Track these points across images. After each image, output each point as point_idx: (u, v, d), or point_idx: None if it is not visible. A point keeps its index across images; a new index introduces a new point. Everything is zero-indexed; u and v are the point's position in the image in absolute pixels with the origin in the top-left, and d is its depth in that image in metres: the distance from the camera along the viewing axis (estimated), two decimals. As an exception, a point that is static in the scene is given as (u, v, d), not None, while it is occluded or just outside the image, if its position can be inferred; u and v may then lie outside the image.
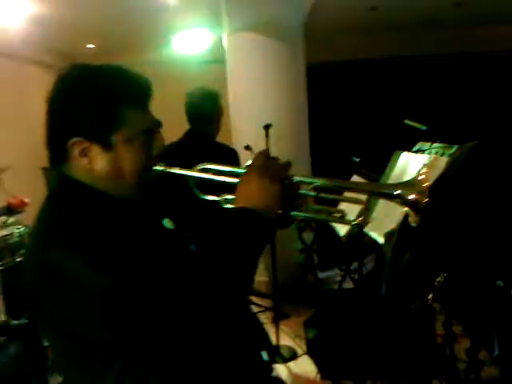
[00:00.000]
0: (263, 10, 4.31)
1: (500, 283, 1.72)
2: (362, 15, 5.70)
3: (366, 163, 3.90)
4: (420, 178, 1.06)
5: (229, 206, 1.16)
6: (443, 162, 1.86)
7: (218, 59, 5.19)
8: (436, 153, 2.10)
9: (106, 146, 1.05)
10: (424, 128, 2.41)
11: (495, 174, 1.73)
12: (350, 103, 6.52)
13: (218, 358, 1.05)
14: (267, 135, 3.39)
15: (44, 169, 6.45)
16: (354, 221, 1.15)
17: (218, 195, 1.20)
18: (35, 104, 7.08)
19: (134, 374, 0.95)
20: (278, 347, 3.47)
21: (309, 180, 1.12)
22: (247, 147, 3.36)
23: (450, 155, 1.90)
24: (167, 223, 1.19)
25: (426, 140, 2.33)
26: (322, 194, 1.13)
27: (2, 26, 5.14)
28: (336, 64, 6.83)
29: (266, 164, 1.09)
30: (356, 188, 1.23)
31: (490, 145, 1.75)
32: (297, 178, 1.11)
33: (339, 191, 1.20)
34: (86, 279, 0.90)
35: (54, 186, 1.11)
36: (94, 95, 1.04)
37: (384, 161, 2.41)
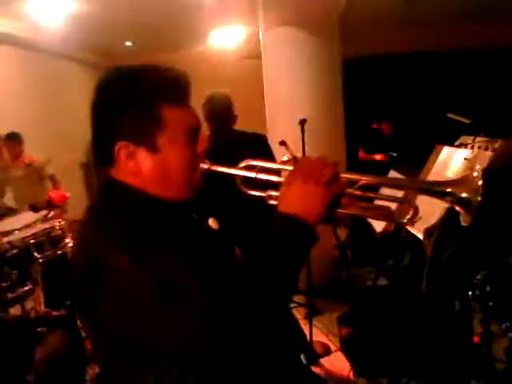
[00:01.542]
0: (298, 4, 4.27)
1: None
2: (398, 8, 5.61)
3: (405, 158, 3.85)
4: (474, 174, 1.01)
5: (273, 202, 1.14)
6: (486, 156, 1.82)
7: (254, 55, 5.20)
8: (479, 147, 2.05)
9: (152, 148, 1.05)
10: (468, 121, 2.36)
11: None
12: (388, 97, 6.43)
13: (258, 361, 1.05)
14: (303, 130, 3.37)
15: (83, 164, 6.60)
16: (403, 219, 1.09)
17: (263, 191, 1.18)
18: (74, 100, 7.27)
19: (173, 374, 0.98)
20: (311, 343, 3.47)
21: (356, 177, 1.08)
22: (282, 142, 3.35)
23: (494, 149, 1.85)
24: (212, 223, 1.20)
25: (469, 134, 2.27)
26: (367, 193, 1.09)
27: (43, 25, 5.29)
28: (372, 57, 6.75)
29: (311, 167, 1.05)
30: (405, 185, 1.20)
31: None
32: (344, 177, 1.07)
33: (376, 188, 1.16)
34: (137, 284, 0.91)
35: (102, 190, 1.12)
36: (135, 98, 1.05)
37: (424, 155, 2.36)
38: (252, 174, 1.15)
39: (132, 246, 0.94)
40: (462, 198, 1.00)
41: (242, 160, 1.19)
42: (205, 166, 1.14)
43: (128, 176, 1.08)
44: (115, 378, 1.09)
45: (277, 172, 1.17)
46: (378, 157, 5.27)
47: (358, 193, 1.09)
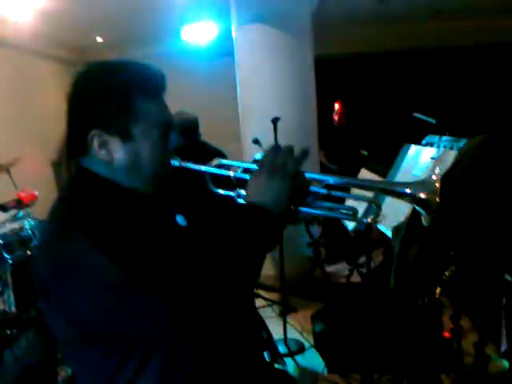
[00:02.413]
0: (270, 1, 4.29)
1: (508, 277, 1.72)
2: (371, 7, 5.67)
3: (375, 157, 3.89)
4: (433, 177, 1.07)
5: (242, 200, 1.16)
6: (452, 155, 1.85)
7: (227, 52, 5.19)
8: (445, 146, 2.09)
9: (125, 137, 1.07)
10: (432, 121, 2.40)
11: (503, 168, 1.72)
12: (357, 96, 6.49)
13: (221, 355, 1.07)
14: (275, 129, 3.38)
15: (53, 163, 6.49)
16: (365, 219, 1.15)
17: (231, 190, 1.20)
18: (45, 97, 7.14)
19: (138, 354, 0.99)
20: (285, 341, 3.49)
21: (321, 177, 1.12)
22: (255, 141, 3.36)
23: (459, 149, 1.89)
24: (180, 220, 1.21)
25: (435, 133, 2.31)
26: (333, 192, 1.13)
27: (12, 20, 5.18)
28: (344, 56, 6.81)
29: (277, 160, 1.08)
30: (368, 186, 1.23)
31: (499, 139, 1.74)
32: (309, 175, 1.10)
33: (347, 188, 1.20)
34: (100, 271, 0.92)
35: (72, 178, 1.13)
36: (111, 89, 1.07)
37: (393, 154, 2.40)
38: (222, 171, 1.18)
39: (98, 234, 0.95)
40: (421, 198, 1.05)
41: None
42: (176, 162, 1.16)
43: (99, 165, 1.09)
44: (81, 372, 1.10)
45: (246, 170, 1.19)
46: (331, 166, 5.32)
47: (324, 191, 1.12)
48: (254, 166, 1.14)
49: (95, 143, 1.07)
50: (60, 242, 0.98)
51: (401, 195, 1.09)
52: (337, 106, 5.38)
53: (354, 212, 1.15)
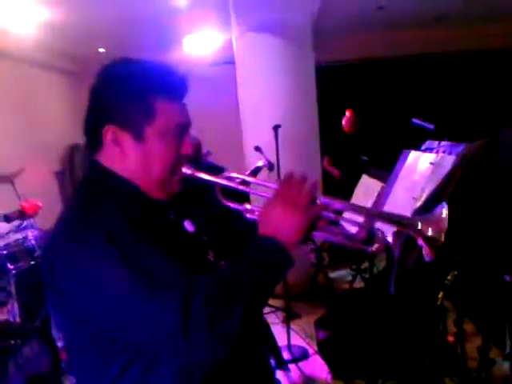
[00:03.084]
0: (270, 11, 4.32)
1: (508, 278, 1.72)
2: (370, 15, 5.70)
3: (375, 162, 3.90)
4: (443, 215, 1.06)
5: (249, 215, 1.18)
6: (450, 160, 1.87)
7: (228, 61, 5.22)
8: (444, 151, 2.10)
9: (138, 136, 1.07)
10: (431, 127, 2.41)
11: (502, 171, 1.73)
12: (358, 102, 6.51)
13: (225, 363, 1.05)
14: (276, 136, 3.40)
15: (57, 173, 6.51)
16: (370, 248, 1.14)
17: (240, 203, 1.21)
18: (48, 108, 7.17)
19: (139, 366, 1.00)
20: (289, 347, 3.48)
21: (332, 202, 1.11)
22: (257, 148, 3.38)
23: (457, 154, 1.90)
24: (188, 225, 1.21)
25: (434, 138, 2.33)
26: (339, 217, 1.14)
27: (15, 32, 5.22)
28: (344, 63, 6.84)
29: (291, 192, 1.07)
30: (377, 216, 1.22)
31: (497, 143, 1.75)
32: (321, 201, 1.09)
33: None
34: (112, 272, 0.93)
35: (86, 172, 1.15)
36: (130, 85, 1.08)
37: (392, 160, 2.41)
38: (232, 184, 1.18)
39: (111, 232, 0.96)
40: (428, 236, 1.05)
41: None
42: (188, 171, 1.15)
43: (112, 162, 1.10)
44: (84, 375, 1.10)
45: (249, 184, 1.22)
46: (335, 172, 5.30)
47: (332, 215, 1.11)
48: (267, 184, 1.16)
49: (109, 138, 1.07)
50: (73, 242, 0.98)
51: (408, 228, 1.09)
52: (347, 113, 5.37)
53: (361, 239, 1.15)
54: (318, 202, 1.09)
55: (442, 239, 1.04)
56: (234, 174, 1.21)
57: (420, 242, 1.07)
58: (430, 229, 1.04)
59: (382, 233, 1.16)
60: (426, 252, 1.06)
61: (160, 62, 1.13)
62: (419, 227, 1.06)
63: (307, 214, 1.05)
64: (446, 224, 1.04)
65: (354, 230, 1.19)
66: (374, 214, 1.25)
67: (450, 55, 6.64)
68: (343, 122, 5.35)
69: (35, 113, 6.40)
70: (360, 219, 1.19)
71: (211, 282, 0.96)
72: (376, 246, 1.14)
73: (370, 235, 1.16)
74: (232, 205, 1.21)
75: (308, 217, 1.05)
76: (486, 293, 2.08)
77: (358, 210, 1.18)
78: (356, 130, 5.32)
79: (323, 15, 4.97)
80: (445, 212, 1.06)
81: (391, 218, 1.17)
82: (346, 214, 1.22)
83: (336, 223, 1.18)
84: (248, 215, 1.19)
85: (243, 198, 1.26)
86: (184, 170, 1.15)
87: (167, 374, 1.00)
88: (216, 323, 0.93)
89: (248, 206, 1.19)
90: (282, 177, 1.12)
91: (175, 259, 1.01)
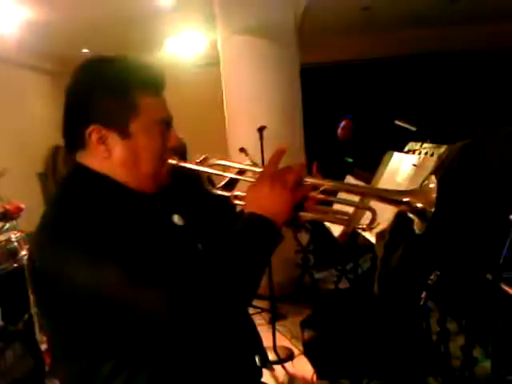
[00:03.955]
0: (255, 12, 4.32)
1: (489, 277, 1.74)
2: (355, 16, 5.73)
3: (360, 163, 3.93)
4: (430, 186, 1.06)
5: (238, 202, 1.18)
6: (432, 161, 1.89)
7: (213, 62, 5.21)
8: (426, 153, 2.12)
9: (124, 133, 1.07)
10: (413, 129, 2.44)
11: (483, 172, 1.75)
12: (343, 104, 6.55)
13: (212, 360, 1.07)
14: (261, 138, 3.41)
15: (40, 175, 6.45)
16: (361, 225, 1.16)
17: (228, 190, 1.21)
18: (31, 109, 7.09)
19: (124, 372, 1.00)
20: (274, 348, 3.49)
21: (319, 182, 1.12)
22: (242, 149, 3.38)
23: (439, 155, 1.93)
24: (177, 219, 1.21)
25: (416, 140, 2.36)
26: (328, 197, 1.14)
27: (-3, 32, 5.15)
28: (329, 65, 6.87)
29: (278, 171, 1.08)
30: (366, 192, 1.23)
31: (478, 144, 1.77)
32: (308, 181, 1.10)
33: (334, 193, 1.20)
34: (100, 267, 0.93)
35: (69, 174, 1.13)
36: (110, 83, 1.07)
37: (376, 161, 2.43)
38: (219, 172, 1.18)
39: (96, 231, 0.95)
40: (418, 208, 1.05)
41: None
42: (173, 161, 1.16)
43: (96, 161, 1.09)
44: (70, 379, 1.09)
45: (241, 172, 1.21)
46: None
47: (321, 197, 1.13)
48: (253, 168, 1.17)
49: (93, 138, 1.06)
50: (58, 242, 0.98)
51: (398, 203, 1.09)
52: (344, 123, 5.39)
53: (348, 217, 1.16)
54: (306, 183, 1.10)
55: (432, 210, 1.04)
56: (220, 162, 1.20)
57: (410, 214, 1.07)
58: (419, 201, 1.05)
59: (374, 211, 1.15)
60: (416, 224, 1.07)
61: (135, 58, 1.13)
62: (408, 200, 1.06)
63: (294, 193, 1.06)
64: (434, 195, 1.04)
65: (350, 210, 1.19)
66: (364, 191, 1.24)
67: (435, 56, 6.69)
68: (339, 131, 5.38)
69: (18, 113, 6.33)
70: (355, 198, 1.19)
71: (202, 268, 0.97)
72: (367, 222, 1.15)
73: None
74: (220, 192, 1.22)
75: (295, 196, 1.06)
76: (469, 292, 2.10)
77: (347, 188, 1.19)
78: (350, 137, 5.36)
79: (308, 16, 4.99)
80: (432, 184, 1.06)
81: (380, 195, 1.18)
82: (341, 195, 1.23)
83: (328, 203, 1.18)
84: (236, 201, 1.19)
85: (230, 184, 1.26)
86: (169, 160, 1.15)
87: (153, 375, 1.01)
88: (207, 308, 0.93)
89: (237, 193, 1.19)
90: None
91: (164, 253, 1.01)
